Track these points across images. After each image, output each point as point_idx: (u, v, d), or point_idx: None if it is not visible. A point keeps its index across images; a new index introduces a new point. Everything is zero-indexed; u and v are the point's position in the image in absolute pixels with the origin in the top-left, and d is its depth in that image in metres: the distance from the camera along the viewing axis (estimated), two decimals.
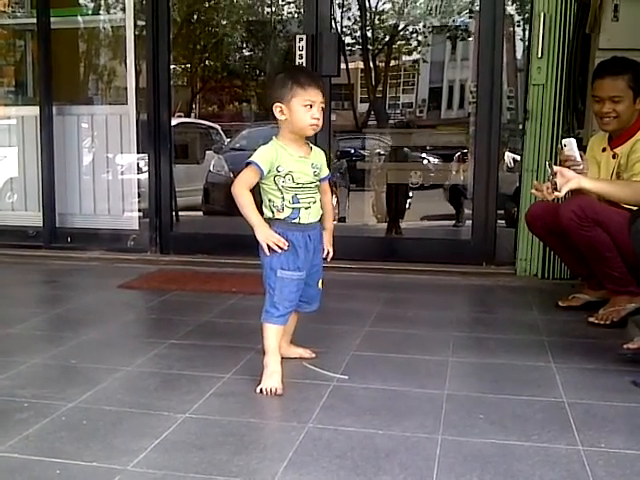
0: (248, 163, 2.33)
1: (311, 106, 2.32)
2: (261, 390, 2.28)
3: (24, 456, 1.79)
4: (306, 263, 2.40)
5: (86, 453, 1.81)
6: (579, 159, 3.00)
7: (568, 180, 2.59)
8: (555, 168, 2.64)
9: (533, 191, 2.80)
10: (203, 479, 1.68)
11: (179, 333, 2.94)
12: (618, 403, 2.19)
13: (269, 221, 2.38)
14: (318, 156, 2.44)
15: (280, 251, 2.32)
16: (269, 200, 2.38)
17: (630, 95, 3.17)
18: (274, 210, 2.37)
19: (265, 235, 2.32)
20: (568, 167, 2.92)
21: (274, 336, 2.39)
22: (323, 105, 2.36)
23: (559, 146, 3.13)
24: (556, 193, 2.61)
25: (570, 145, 3.03)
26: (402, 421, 2.03)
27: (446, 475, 1.70)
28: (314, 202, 2.41)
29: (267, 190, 2.38)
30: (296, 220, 2.37)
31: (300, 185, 2.36)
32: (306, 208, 2.38)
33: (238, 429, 1.97)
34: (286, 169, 2.33)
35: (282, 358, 2.52)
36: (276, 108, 2.35)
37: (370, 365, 2.56)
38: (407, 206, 7.16)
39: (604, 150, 3.30)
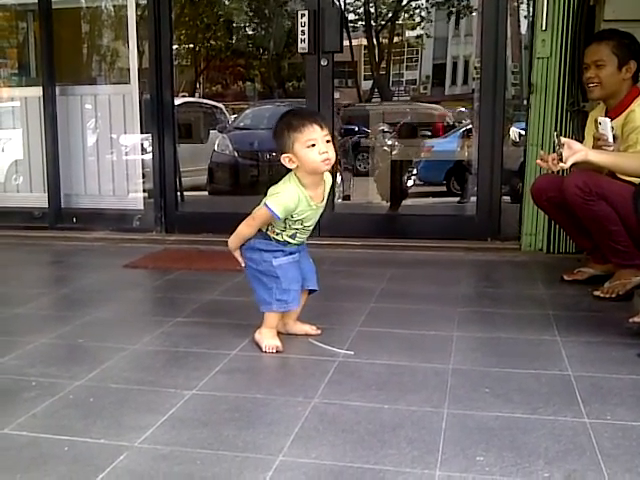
0: (267, 206, 2.30)
1: (314, 144, 2.28)
2: (264, 350, 2.40)
3: (32, 434, 1.80)
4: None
5: (93, 430, 1.82)
6: (611, 140, 2.96)
7: (574, 152, 2.56)
8: (562, 139, 2.62)
9: (538, 161, 2.78)
10: (210, 455, 1.69)
11: (185, 311, 2.95)
12: (624, 376, 2.18)
13: (262, 232, 2.41)
14: (327, 186, 2.43)
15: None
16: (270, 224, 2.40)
17: (614, 61, 3.15)
18: (269, 228, 2.40)
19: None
20: (600, 146, 2.90)
21: (277, 317, 2.47)
22: (328, 137, 2.31)
23: (597, 123, 3.06)
24: (561, 164, 2.60)
25: (605, 124, 2.99)
26: (408, 395, 2.03)
27: (452, 448, 1.70)
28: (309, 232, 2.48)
29: None
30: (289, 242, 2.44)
31: (306, 228, 2.42)
32: (301, 237, 2.45)
33: (244, 405, 1.98)
34: (300, 216, 2.36)
35: (288, 334, 2.55)
36: (284, 159, 2.32)
37: (375, 340, 2.56)
38: (412, 182, 7.14)
39: None
